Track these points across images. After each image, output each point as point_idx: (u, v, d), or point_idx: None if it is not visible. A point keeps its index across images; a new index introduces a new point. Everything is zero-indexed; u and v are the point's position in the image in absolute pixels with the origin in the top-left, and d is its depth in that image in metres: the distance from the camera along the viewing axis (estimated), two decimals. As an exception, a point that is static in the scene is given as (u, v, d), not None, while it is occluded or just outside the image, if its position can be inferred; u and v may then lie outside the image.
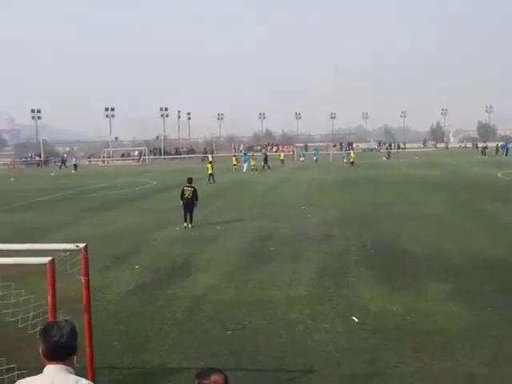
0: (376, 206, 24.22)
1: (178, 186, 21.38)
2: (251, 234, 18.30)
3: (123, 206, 27.51)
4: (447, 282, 11.60)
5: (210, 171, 41.25)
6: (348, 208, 24.12)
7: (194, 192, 20.32)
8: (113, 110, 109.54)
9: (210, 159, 67.84)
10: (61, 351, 3.38)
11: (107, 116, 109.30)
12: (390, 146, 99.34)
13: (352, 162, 57.46)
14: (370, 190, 31.71)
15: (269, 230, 19.09)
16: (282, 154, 69.06)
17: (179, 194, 20.66)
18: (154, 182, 42.93)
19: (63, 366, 3.38)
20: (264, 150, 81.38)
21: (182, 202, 20.39)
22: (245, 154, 59.73)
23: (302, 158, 70.19)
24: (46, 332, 3.39)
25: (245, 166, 54.27)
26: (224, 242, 17.30)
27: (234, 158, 57.18)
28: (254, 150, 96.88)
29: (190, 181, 20.73)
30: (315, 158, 67.46)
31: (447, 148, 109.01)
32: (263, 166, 54.96)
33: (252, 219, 21.63)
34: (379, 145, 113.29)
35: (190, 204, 20.21)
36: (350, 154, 63.67)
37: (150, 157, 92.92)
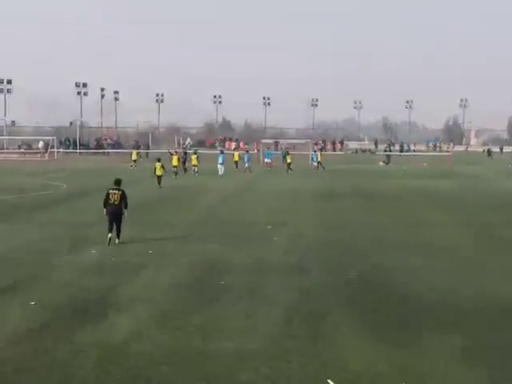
0: (367, 229, 24.42)
1: (97, 191, 21.25)
2: (195, 262, 18.24)
3: (19, 218, 27.04)
4: (457, 335, 11.75)
5: (158, 172, 41.21)
6: (328, 230, 24.27)
7: (123, 196, 20.37)
8: (9, 82, 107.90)
9: (135, 157, 67.21)
10: None
11: (1, 91, 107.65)
12: (389, 146, 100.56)
13: (319, 163, 62.99)
14: (360, 207, 32.02)
15: (220, 256, 19.04)
16: (236, 155, 65.09)
17: (102, 200, 20.66)
18: (65, 186, 42.41)
19: None
20: (182, 148, 77.40)
21: (105, 210, 20.40)
22: (221, 152, 59.49)
23: (267, 160, 69.15)
24: None
25: (222, 168, 54.65)
26: (156, 271, 17.18)
27: (174, 158, 53.66)
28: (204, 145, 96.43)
29: (117, 182, 20.92)
30: (267, 161, 66.79)
31: (445, 151, 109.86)
32: (184, 169, 55.67)
33: (197, 240, 21.56)
34: (376, 145, 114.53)
35: (117, 212, 20.28)
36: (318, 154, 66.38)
37: (61, 150, 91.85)
